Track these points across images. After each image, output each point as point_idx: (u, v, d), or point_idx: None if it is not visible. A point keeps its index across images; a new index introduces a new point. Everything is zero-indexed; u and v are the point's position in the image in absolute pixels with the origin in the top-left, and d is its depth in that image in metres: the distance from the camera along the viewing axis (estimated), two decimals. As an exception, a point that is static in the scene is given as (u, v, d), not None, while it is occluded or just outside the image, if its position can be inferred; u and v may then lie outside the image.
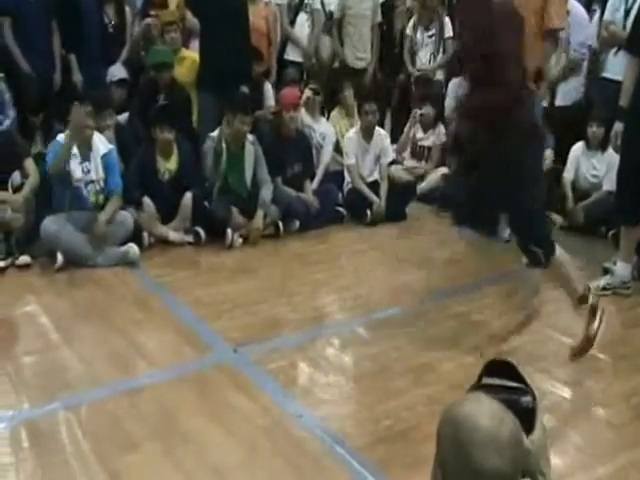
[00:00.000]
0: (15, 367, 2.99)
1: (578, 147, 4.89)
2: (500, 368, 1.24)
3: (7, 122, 4.73)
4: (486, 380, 1.23)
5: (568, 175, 4.90)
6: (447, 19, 5.97)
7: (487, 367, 1.25)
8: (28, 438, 2.51)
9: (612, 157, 4.65)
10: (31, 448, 2.46)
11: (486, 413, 1.10)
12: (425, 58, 5.97)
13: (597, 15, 5.12)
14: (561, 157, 5.02)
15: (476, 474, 1.06)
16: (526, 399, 1.19)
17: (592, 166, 4.85)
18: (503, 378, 1.22)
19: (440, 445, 1.12)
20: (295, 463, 2.41)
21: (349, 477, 2.35)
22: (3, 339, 3.27)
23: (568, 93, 5.18)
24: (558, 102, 5.21)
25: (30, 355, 3.11)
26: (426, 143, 5.62)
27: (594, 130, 4.76)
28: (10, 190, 4.19)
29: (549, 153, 4.93)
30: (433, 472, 1.15)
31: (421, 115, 5.53)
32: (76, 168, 4.10)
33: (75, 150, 4.09)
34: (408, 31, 6.02)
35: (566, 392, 2.87)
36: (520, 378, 1.23)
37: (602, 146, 4.77)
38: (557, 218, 4.85)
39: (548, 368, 3.05)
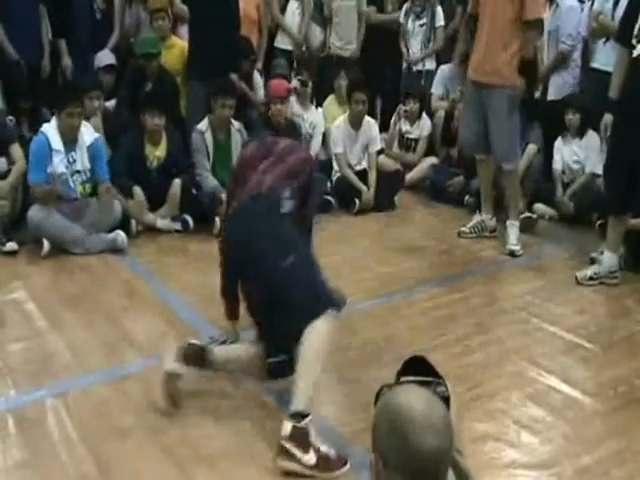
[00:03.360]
0: (2, 354, 2.97)
1: (560, 139, 4.94)
2: (415, 364, 1.34)
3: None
4: (404, 378, 1.32)
5: (557, 166, 4.93)
6: (439, 8, 5.96)
7: (404, 367, 1.34)
8: (15, 425, 2.50)
9: (591, 140, 4.73)
10: (18, 435, 2.45)
11: (418, 399, 1.18)
12: (416, 47, 5.98)
13: (588, 6, 5.12)
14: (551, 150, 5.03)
15: (416, 456, 1.14)
16: (441, 389, 1.29)
17: (573, 152, 4.90)
18: (418, 374, 1.32)
19: (378, 435, 1.19)
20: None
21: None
22: (-11, 326, 3.25)
23: (561, 87, 5.18)
24: (550, 96, 5.21)
25: (17, 342, 3.08)
26: (412, 136, 5.61)
27: (570, 117, 4.81)
28: (-4, 177, 4.15)
29: (533, 147, 4.96)
30: (373, 462, 1.20)
31: (405, 112, 5.52)
32: (59, 163, 4.06)
33: (60, 145, 4.05)
34: (401, 19, 6.02)
35: (553, 381, 2.89)
36: (433, 371, 1.32)
37: (580, 132, 4.82)
38: (547, 210, 4.88)
39: (535, 357, 3.08)
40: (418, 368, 1.34)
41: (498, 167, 4.42)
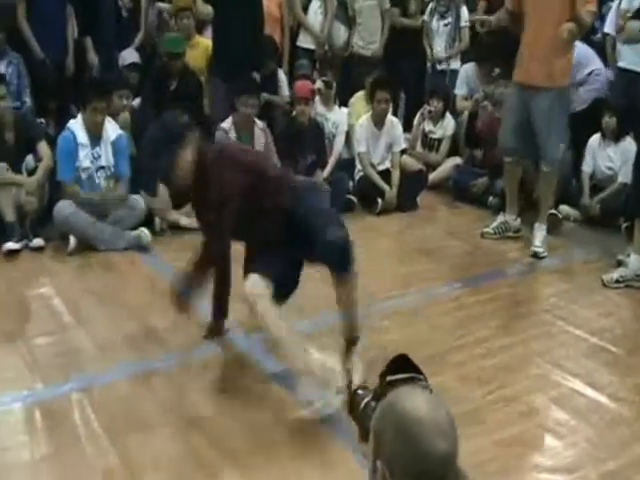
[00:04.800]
0: (29, 348, 3.02)
1: (595, 139, 4.85)
2: (397, 363, 1.32)
3: (24, 106, 4.77)
4: (389, 378, 1.30)
5: (587, 168, 4.84)
6: (464, 8, 5.93)
7: (388, 367, 1.33)
8: (42, 418, 2.54)
9: (627, 148, 4.62)
10: (45, 428, 2.49)
11: (422, 403, 1.15)
12: (440, 46, 5.96)
13: (616, 4, 5.06)
14: (580, 150, 4.96)
15: (425, 460, 1.10)
16: (422, 384, 1.27)
17: (607, 157, 4.80)
18: (399, 372, 1.30)
19: (383, 441, 1.15)
20: (304, 449, 2.42)
21: (358, 462, 2.34)
22: (18, 320, 3.30)
23: (585, 99, 5.10)
24: (576, 109, 5.12)
25: (44, 336, 3.13)
26: (435, 136, 5.58)
27: (607, 120, 4.72)
28: (24, 173, 4.21)
29: (562, 147, 4.89)
30: (378, 468, 1.16)
31: (429, 112, 5.49)
32: (85, 158, 4.12)
33: (85, 140, 4.10)
34: (425, 18, 6.01)
35: (578, 385, 2.86)
36: (413, 366, 1.30)
37: (616, 136, 4.73)
38: (571, 211, 4.83)
39: (559, 361, 3.05)
40: (399, 366, 1.32)
41: (529, 169, 4.37)
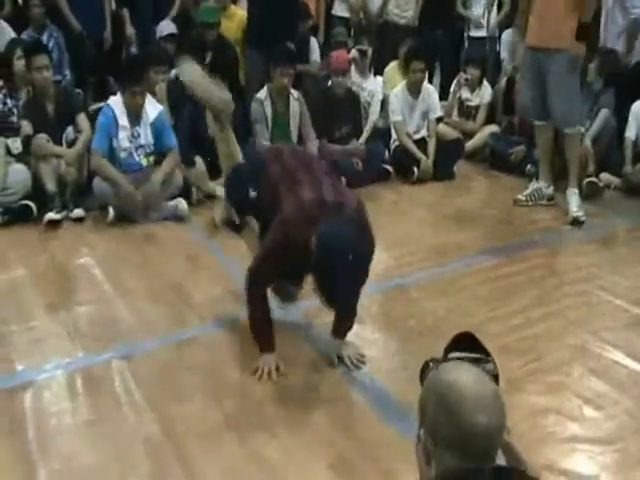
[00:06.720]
0: (70, 316, 3.09)
1: (639, 104, 4.69)
2: (464, 341, 1.32)
3: (64, 80, 4.82)
4: (452, 354, 1.30)
5: (630, 134, 4.71)
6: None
7: (452, 342, 1.32)
8: (83, 385, 2.60)
9: None
10: (86, 394, 2.55)
11: (467, 377, 1.17)
12: (478, 12, 5.83)
13: None
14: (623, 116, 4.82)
15: (467, 434, 1.12)
16: (489, 366, 1.27)
17: None
18: (466, 350, 1.29)
19: (426, 412, 1.18)
20: (341, 417, 2.44)
21: (394, 432, 2.36)
22: (59, 290, 3.37)
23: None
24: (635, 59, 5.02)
25: (84, 305, 3.20)
26: (472, 103, 5.49)
27: None
28: (64, 145, 4.27)
29: (606, 113, 4.76)
30: (422, 439, 1.19)
31: (466, 79, 5.39)
32: (124, 139, 4.13)
33: (125, 121, 4.12)
34: None
35: (617, 355, 2.82)
36: (482, 348, 1.30)
37: None
38: (612, 179, 4.71)
39: (598, 331, 3.00)
40: (466, 345, 1.32)
41: (561, 133, 4.29)
